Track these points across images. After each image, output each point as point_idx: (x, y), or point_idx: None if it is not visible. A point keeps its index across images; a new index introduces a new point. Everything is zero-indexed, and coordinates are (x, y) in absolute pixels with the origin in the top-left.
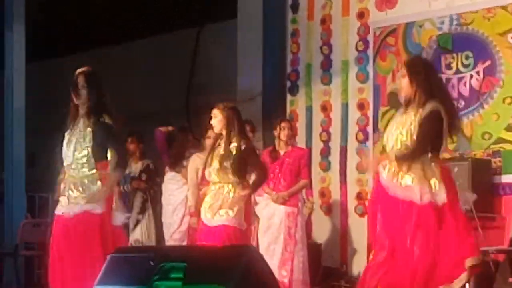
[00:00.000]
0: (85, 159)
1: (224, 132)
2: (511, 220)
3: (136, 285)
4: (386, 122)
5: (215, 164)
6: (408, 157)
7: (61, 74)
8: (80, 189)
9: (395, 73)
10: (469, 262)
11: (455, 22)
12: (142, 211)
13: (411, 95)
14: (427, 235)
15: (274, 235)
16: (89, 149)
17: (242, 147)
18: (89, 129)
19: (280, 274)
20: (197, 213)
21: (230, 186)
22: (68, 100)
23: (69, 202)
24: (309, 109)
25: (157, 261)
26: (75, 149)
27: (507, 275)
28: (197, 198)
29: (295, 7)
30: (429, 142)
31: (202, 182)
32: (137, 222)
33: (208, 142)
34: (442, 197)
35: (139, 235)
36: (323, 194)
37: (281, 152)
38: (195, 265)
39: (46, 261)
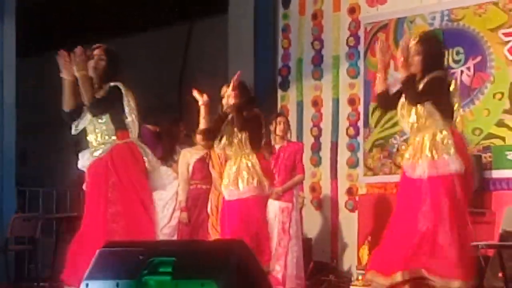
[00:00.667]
0: (104, 127)
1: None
2: (501, 215)
3: (125, 280)
4: (376, 117)
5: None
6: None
7: (52, 69)
8: None
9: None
10: None
11: (446, 18)
12: None
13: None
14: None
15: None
16: (107, 117)
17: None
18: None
19: (274, 269)
20: (187, 208)
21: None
22: (60, 96)
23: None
24: (300, 104)
25: (146, 256)
26: (94, 121)
27: (497, 270)
28: (187, 193)
29: (286, 2)
30: (433, 93)
31: (193, 177)
32: None
33: (199, 137)
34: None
35: None
36: (314, 189)
37: (277, 147)
38: (184, 260)
39: (37, 255)
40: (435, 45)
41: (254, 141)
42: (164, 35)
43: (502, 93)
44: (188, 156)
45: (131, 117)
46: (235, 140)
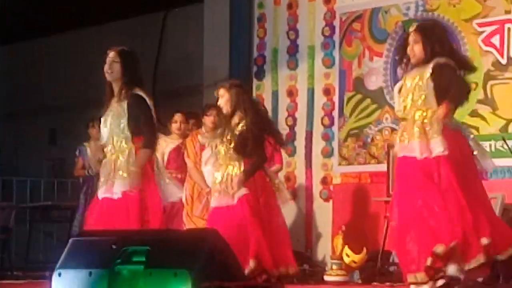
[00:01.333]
0: (121, 134)
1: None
2: None
3: (98, 269)
4: (351, 107)
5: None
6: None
7: (28, 59)
8: (119, 170)
9: (360, 58)
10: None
11: (420, 8)
12: None
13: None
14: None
15: None
16: (125, 122)
17: (244, 127)
18: (123, 102)
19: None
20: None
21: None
22: (34, 86)
23: (107, 183)
24: (275, 94)
25: (119, 245)
26: (112, 125)
27: None
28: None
29: None
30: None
31: (168, 166)
32: None
33: (174, 126)
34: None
35: None
36: (289, 178)
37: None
38: (157, 249)
39: (10, 245)
40: (435, 32)
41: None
42: (138, 24)
43: (476, 83)
44: (163, 145)
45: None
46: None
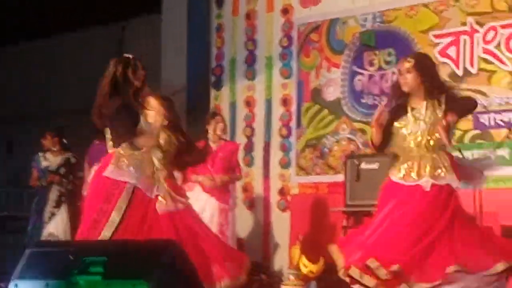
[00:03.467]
0: None
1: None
2: None
3: (55, 280)
4: (309, 118)
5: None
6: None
7: None
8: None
9: (318, 69)
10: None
11: (378, 20)
12: (58, 205)
13: (415, 90)
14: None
15: None
16: None
17: (175, 143)
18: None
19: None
20: None
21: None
22: None
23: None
24: (233, 104)
25: (76, 256)
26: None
27: None
28: None
29: (220, 2)
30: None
31: None
32: (52, 215)
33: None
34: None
35: (54, 228)
36: (246, 189)
37: (214, 147)
38: (116, 260)
39: None
40: (431, 65)
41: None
42: (97, 35)
43: None
44: None
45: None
46: None
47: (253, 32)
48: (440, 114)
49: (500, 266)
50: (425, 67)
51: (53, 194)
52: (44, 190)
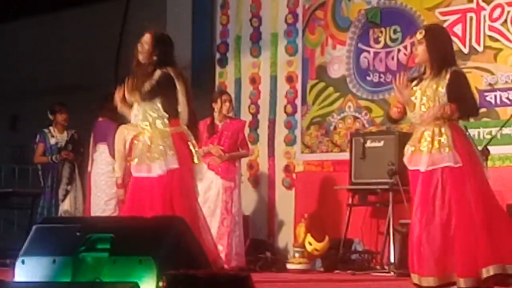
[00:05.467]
0: (156, 114)
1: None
2: None
3: (62, 256)
4: (314, 95)
5: None
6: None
7: None
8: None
9: (323, 46)
10: None
11: None
12: (70, 182)
13: (425, 63)
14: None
15: (211, 209)
16: (159, 104)
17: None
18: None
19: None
20: (123, 184)
21: None
22: None
23: (143, 162)
24: (238, 81)
25: (83, 232)
26: (146, 107)
27: None
28: (124, 170)
29: None
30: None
31: (130, 153)
32: (66, 193)
33: None
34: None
35: (68, 206)
36: (251, 166)
37: (219, 125)
38: (122, 237)
39: None
40: (444, 39)
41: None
42: (101, 10)
43: None
44: (125, 133)
45: (182, 105)
46: None
47: (258, 9)
48: (443, 88)
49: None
50: (436, 39)
51: (65, 171)
52: (56, 167)
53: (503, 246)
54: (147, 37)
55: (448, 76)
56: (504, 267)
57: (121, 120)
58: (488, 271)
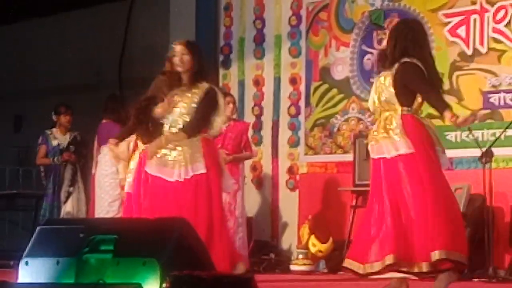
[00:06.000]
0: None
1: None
2: None
3: (65, 257)
4: (318, 96)
5: None
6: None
7: None
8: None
9: (327, 48)
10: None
11: None
12: (73, 183)
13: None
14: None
15: None
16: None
17: None
18: (193, 93)
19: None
20: None
21: None
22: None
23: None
24: (241, 83)
25: (87, 234)
26: (181, 115)
27: None
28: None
29: None
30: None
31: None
32: (69, 194)
33: None
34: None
35: (71, 207)
36: (255, 168)
37: (223, 127)
38: (126, 238)
39: None
40: (407, 32)
41: None
42: (104, 12)
43: (442, 74)
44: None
45: (221, 119)
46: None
47: (261, 11)
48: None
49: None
50: (396, 33)
51: (67, 173)
52: (58, 169)
53: (450, 233)
54: (181, 48)
55: (395, 69)
56: (449, 253)
57: (124, 121)
58: (435, 255)
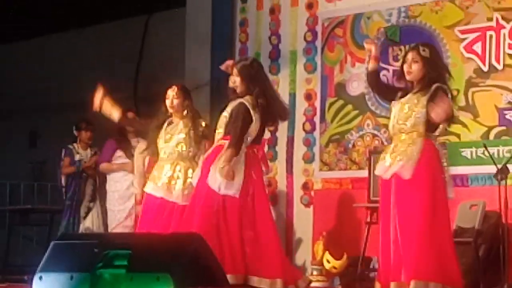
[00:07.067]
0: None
1: None
2: (455, 212)
3: (79, 272)
4: (333, 112)
5: None
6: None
7: (8, 61)
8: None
9: (342, 64)
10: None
11: (403, 15)
12: (93, 199)
13: (419, 80)
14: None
15: None
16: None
17: None
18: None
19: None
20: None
21: None
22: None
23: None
24: None
25: (101, 249)
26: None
27: None
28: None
29: None
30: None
31: (149, 170)
32: (88, 210)
33: None
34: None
35: (90, 223)
36: (269, 183)
37: None
38: (140, 253)
39: None
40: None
41: None
42: (120, 27)
43: (458, 90)
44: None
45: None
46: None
47: (277, 26)
48: (424, 101)
49: None
50: (432, 60)
51: (88, 188)
52: (77, 184)
53: (443, 265)
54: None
55: (429, 93)
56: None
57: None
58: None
